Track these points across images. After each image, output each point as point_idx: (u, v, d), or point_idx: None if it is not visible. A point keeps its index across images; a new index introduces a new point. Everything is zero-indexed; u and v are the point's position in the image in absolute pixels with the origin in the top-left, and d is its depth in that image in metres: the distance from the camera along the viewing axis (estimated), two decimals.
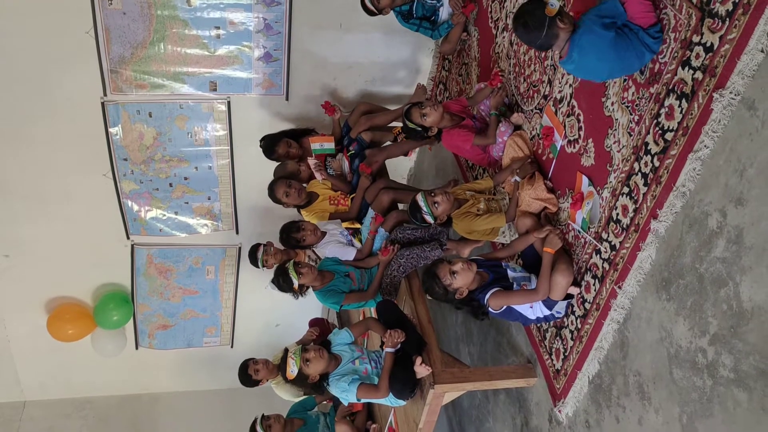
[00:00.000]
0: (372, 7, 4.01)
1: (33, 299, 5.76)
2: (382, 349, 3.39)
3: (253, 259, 4.39)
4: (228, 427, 6.14)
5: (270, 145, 4.42)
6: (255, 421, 4.30)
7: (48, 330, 5.70)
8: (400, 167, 5.26)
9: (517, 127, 3.51)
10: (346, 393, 3.35)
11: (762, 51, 1.91)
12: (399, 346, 3.35)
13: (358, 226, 4.17)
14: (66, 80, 4.46)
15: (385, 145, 4.50)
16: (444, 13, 4.09)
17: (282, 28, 4.46)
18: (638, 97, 2.51)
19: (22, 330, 5.89)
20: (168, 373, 6.67)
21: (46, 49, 4.31)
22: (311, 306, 5.92)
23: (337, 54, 4.71)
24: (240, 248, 5.71)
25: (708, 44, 2.13)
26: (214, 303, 6.09)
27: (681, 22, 2.25)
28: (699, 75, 2.17)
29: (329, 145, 4.39)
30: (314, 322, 5.31)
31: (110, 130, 4.75)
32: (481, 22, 3.97)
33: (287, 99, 4.84)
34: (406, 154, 4.90)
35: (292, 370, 3.27)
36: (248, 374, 4.30)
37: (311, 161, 4.29)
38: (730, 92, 2.03)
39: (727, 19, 2.04)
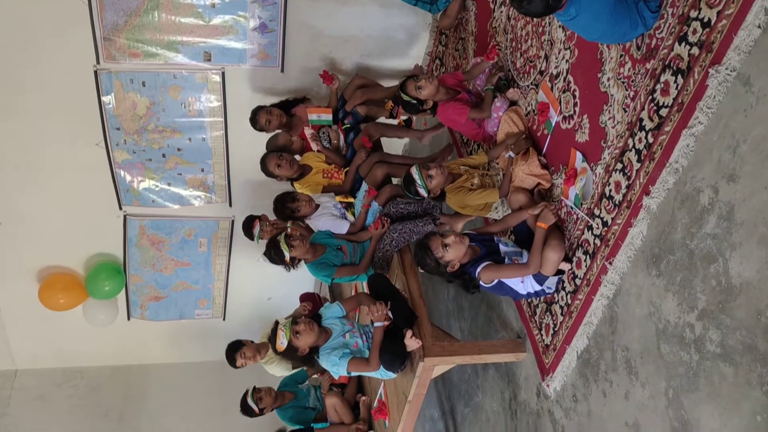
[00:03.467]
0: None
1: (24, 268, 5.75)
2: (372, 324, 3.40)
3: (249, 231, 4.39)
4: (219, 399, 6.20)
5: (252, 115, 4.41)
6: (246, 394, 4.33)
7: (39, 299, 5.69)
8: (396, 142, 5.24)
9: (513, 103, 3.49)
10: (337, 367, 3.36)
11: (759, 27, 1.91)
12: (390, 320, 3.36)
13: (351, 199, 4.17)
14: (58, 48, 4.40)
15: (382, 121, 4.48)
16: None
17: None
18: (634, 73, 2.50)
19: (14, 298, 5.88)
20: (159, 345, 6.69)
21: (38, 16, 4.25)
22: (303, 280, 5.94)
23: (333, 26, 4.66)
24: (233, 221, 5.70)
25: (705, 19, 2.11)
26: (207, 275, 6.09)
27: None
28: (695, 50, 2.16)
29: (327, 116, 4.37)
30: (305, 297, 5.32)
31: (103, 98, 4.71)
32: None
33: (282, 71, 4.80)
34: (400, 137, 4.92)
35: (282, 342, 3.28)
36: (234, 358, 4.22)
37: (308, 131, 4.28)
38: (726, 68, 2.03)
39: None
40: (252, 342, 4.34)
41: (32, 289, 5.74)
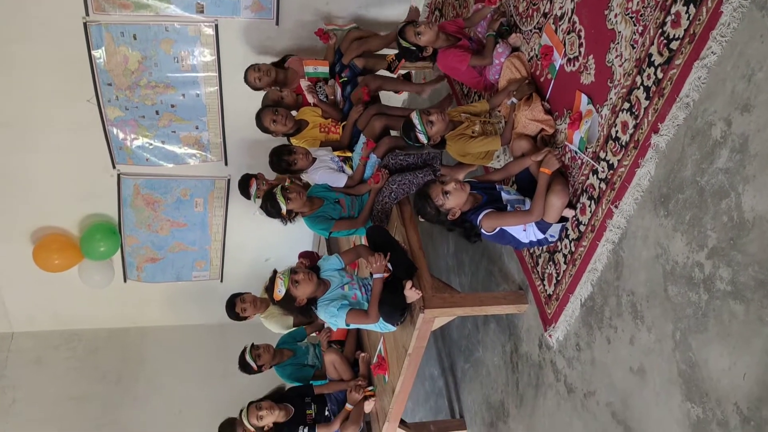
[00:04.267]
0: None
1: (18, 229, 5.68)
2: (372, 276, 3.34)
3: (245, 190, 4.32)
4: (218, 361, 6.18)
5: (244, 75, 4.32)
6: (244, 351, 4.30)
7: (34, 260, 5.63)
8: (394, 98, 5.13)
9: (515, 49, 3.39)
10: (335, 318, 3.30)
11: None
12: (389, 272, 3.30)
13: (349, 153, 4.08)
14: None
15: (381, 74, 4.37)
16: None
17: None
18: (643, 7, 2.39)
19: (8, 260, 5.82)
20: (157, 307, 6.66)
21: None
22: (302, 239, 5.89)
23: None
24: (229, 180, 5.62)
25: None
26: (203, 236, 6.03)
27: None
28: None
29: (323, 68, 4.26)
30: (304, 254, 5.27)
31: (93, 53, 4.59)
32: None
33: (277, 23, 4.68)
34: (397, 92, 4.81)
35: (280, 290, 3.22)
36: (236, 312, 4.30)
37: (303, 83, 4.18)
38: None
39: None
40: (255, 298, 4.35)
41: (26, 251, 5.68)
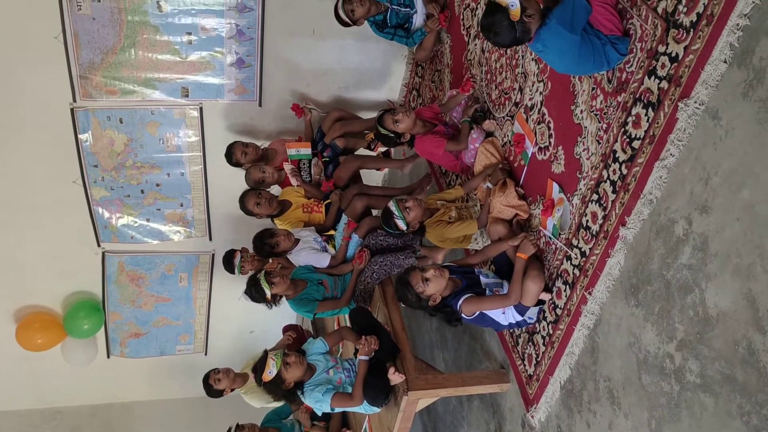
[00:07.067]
0: (346, 19, 4.00)
1: (1, 308, 5.64)
2: (356, 357, 3.38)
3: (229, 266, 4.37)
4: None
5: (227, 150, 4.46)
6: (229, 430, 4.26)
7: (17, 339, 5.58)
8: (375, 173, 5.26)
9: (489, 134, 3.53)
10: (320, 403, 3.34)
11: (725, 62, 1.95)
12: (373, 353, 3.35)
13: (332, 232, 4.17)
14: (34, 85, 4.38)
15: (360, 154, 4.51)
16: (418, 20, 4.10)
17: (254, 34, 4.43)
18: (606, 106, 2.54)
19: None
20: (140, 382, 6.57)
21: (13, 54, 4.23)
22: (286, 312, 5.87)
23: (310, 60, 4.69)
24: (213, 255, 5.66)
25: (673, 54, 2.16)
26: (188, 310, 6.03)
27: (647, 32, 2.28)
28: (665, 84, 2.21)
29: (305, 150, 4.38)
30: (288, 328, 5.27)
31: (80, 136, 4.68)
32: (453, 30, 3.99)
33: (260, 105, 4.81)
34: (378, 169, 4.94)
35: (271, 371, 3.25)
36: (209, 384, 4.24)
37: (287, 166, 4.29)
38: (695, 102, 2.07)
39: (692, 29, 2.07)
40: (229, 369, 4.32)
41: (9, 330, 5.63)
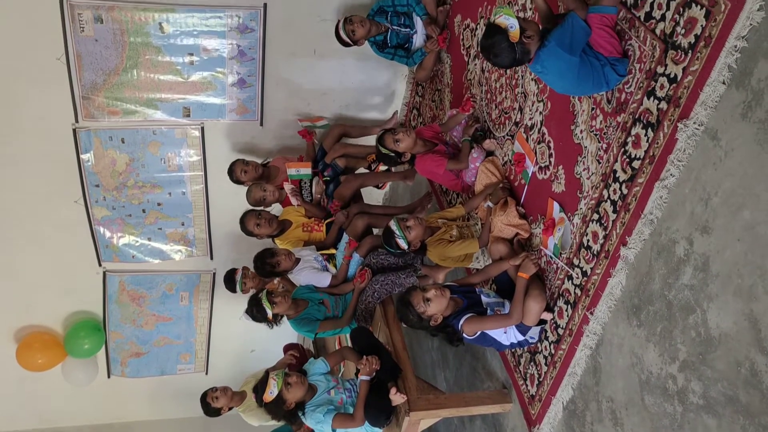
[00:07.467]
0: (347, 39, 4.04)
1: (1, 328, 5.63)
2: (357, 377, 3.37)
3: (230, 284, 4.37)
4: None
5: (229, 167, 4.50)
6: None
7: (17, 360, 5.57)
8: (376, 192, 5.27)
9: (490, 153, 3.54)
10: (321, 424, 3.32)
11: (723, 83, 1.96)
12: (374, 373, 3.34)
13: (333, 251, 4.17)
14: (37, 106, 4.41)
15: (359, 172, 4.52)
16: (418, 40, 4.14)
17: (256, 55, 4.47)
18: (606, 126, 2.55)
19: None
20: (141, 402, 6.55)
21: (16, 75, 4.26)
22: (287, 331, 5.87)
23: (311, 80, 4.72)
24: (214, 274, 5.66)
25: (672, 75, 2.17)
26: (188, 329, 6.01)
27: (645, 53, 2.30)
28: (664, 105, 2.22)
29: (305, 170, 4.40)
30: (289, 348, 5.26)
31: (82, 156, 4.70)
32: (453, 50, 4.02)
33: (261, 124, 4.84)
34: (379, 187, 4.95)
35: (272, 391, 3.24)
36: (207, 402, 4.25)
37: (287, 186, 4.31)
38: (694, 122, 2.07)
39: (690, 51, 2.09)
40: (227, 388, 4.31)
41: (10, 350, 5.62)
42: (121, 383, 6.19)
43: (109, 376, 6.11)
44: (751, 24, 1.85)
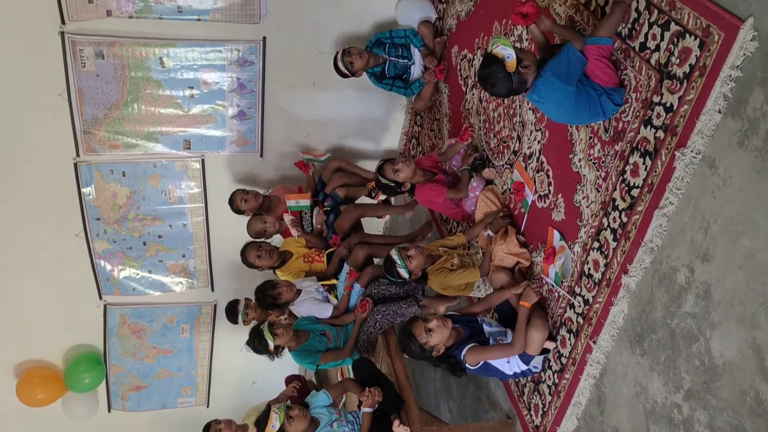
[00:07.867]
0: (345, 71, 4.08)
1: (1, 363, 5.60)
2: (360, 409, 3.34)
3: (232, 315, 4.35)
4: None
5: (230, 197, 4.51)
6: None
7: (17, 395, 5.52)
8: (376, 221, 5.28)
9: (489, 182, 3.55)
10: None
11: (719, 112, 1.98)
12: (377, 405, 3.31)
13: (334, 282, 4.16)
14: (38, 141, 4.43)
15: (361, 203, 4.53)
16: (416, 71, 4.18)
17: (255, 87, 4.51)
18: (604, 154, 2.56)
19: None
20: None
21: (18, 110, 4.29)
22: (288, 363, 5.82)
23: (310, 111, 4.76)
24: (215, 305, 5.64)
25: (668, 104, 2.19)
26: (189, 362, 5.98)
27: (641, 83, 2.32)
28: (661, 134, 2.23)
29: (305, 201, 4.41)
30: (291, 379, 5.22)
31: (83, 190, 4.72)
32: (451, 80, 4.06)
33: (261, 156, 4.87)
34: (379, 217, 4.97)
35: (274, 425, 3.21)
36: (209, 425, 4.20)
37: (287, 218, 4.32)
38: (691, 151, 2.09)
39: (685, 80, 2.11)
40: (231, 421, 4.25)
41: (9, 385, 5.58)
42: (122, 417, 6.13)
43: (109, 411, 6.05)
44: (744, 54, 1.87)
